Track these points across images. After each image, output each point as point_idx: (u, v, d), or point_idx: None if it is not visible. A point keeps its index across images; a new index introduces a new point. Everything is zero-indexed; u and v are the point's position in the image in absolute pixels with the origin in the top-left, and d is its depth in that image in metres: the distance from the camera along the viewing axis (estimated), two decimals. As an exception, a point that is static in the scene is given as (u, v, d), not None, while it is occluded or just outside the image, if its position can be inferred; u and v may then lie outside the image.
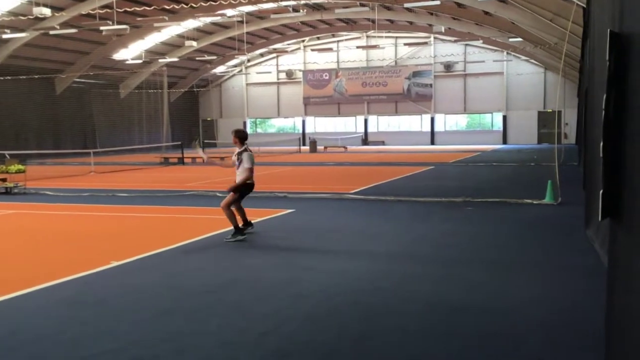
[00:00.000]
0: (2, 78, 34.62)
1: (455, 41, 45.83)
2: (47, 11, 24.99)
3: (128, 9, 28.40)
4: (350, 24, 46.04)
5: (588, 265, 7.13)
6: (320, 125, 53.84)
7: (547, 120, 46.66)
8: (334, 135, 50.46)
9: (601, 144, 2.96)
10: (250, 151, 9.20)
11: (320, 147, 41.74)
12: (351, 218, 11.19)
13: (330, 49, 48.81)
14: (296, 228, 10.19)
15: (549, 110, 46.88)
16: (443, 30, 38.67)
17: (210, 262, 7.69)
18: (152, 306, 5.70)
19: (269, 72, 54.03)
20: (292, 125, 55.22)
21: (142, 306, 5.71)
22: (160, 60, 42.68)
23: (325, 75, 52.46)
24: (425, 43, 47.64)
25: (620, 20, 3.19)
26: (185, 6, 30.90)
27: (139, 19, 30.67)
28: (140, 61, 41.20)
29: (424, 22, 40.48)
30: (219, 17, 36.04)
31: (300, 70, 53.29)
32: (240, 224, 9.11)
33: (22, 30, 30.25)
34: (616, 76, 2.92)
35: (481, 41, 41.89)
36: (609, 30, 3.00)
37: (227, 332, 4.97)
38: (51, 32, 30.32)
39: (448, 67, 49.28)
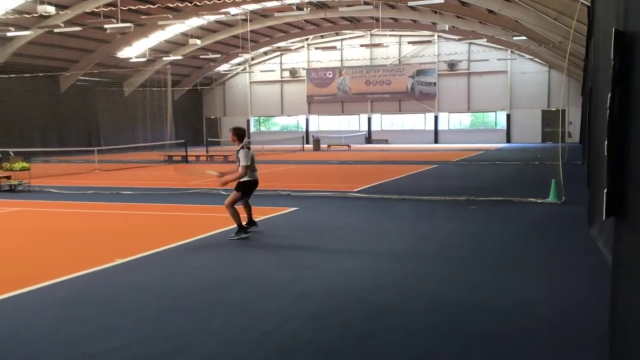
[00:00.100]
0: (6, 76, 34.70)
1: (459, 40, 45.72)
2: (51, 9, 25.05)
3: (132, 7, 28.47)
4: (354, 23, 46.00)
5: (592, 264, 7.12)
6: (323, 123, 53.82)
7: (551, 119, 46.56)
8: (338, 133, 50.42)
9: (605, 142, 2.96)
10: (248, 148, 9.06)
11: (323, 146, 41.71)
12: (354, 216, 11.19)
13: (334, 48, 48.76)
14: (299, 226, 10.20)
15: (553, 109, 46.76)
16: (447, 29, 38.54)
17: (213, 260, 7.70)
18: (156, 304, 5.72)
19: (273, 71, 54.01)
20: (296, 124, 55.22)
21: (146, 304, 5.72)
22: (164, 59, 42.72)
23: (329, 74, 52.44)
24: (429, 41, 47.58)
25: (625, 19, 3.18)
26: (189, 4, 30.86)
27: (143, 17, 30.71)
28: (144, 59, 41.24)
29: (428, 21, 40.41)
30: (223, 16, 35.99)
31: (303, 69, 53.28)
32: (244, 222, 9.09)
33: (26, 28, 30.30)
34: (621, 75, 2.91)
35: (485, 40, 41.79)
36: (613, 28, 2.99)
37: (230, 330, 4.98)
38: (55, 30, 30.37)
39: (452, 65, 49.20)
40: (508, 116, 48.51)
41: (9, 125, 35.59)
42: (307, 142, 46.97)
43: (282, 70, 54.34)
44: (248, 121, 54.68)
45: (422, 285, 6.37)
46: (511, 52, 46.62)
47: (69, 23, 30.44)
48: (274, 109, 55.05)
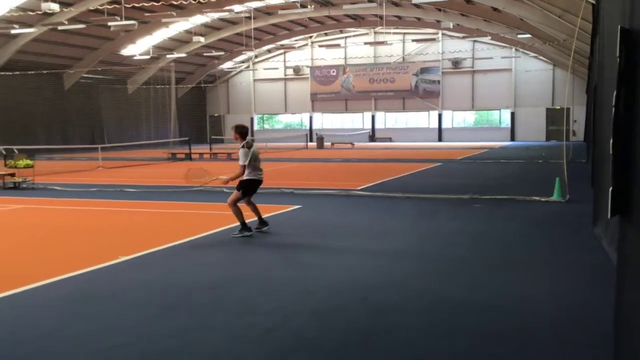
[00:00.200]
0: (10, 73, 34.78)
1: (463, 37, 45.62)
2: (55, 7, 25.07)
3: (136, 5, 28.47)
4: (358, 20, 45.95)
5: (596, 263, 7.10)
6: (327, 121, 53.81)
7: (555, 117, 46.45)
8: (341, 131, 50.41)
9: (611, 141, 2.94)
10: (249, 147, 8.86)
11: (327, 144, 41.70)
12: (358, 214, 11.18)
13: (337, 45, 48.72)
14: (303, 224, 10.20)
15: (557, 107, 46.65)
16: (451, 27, 38.53)
17: (217, 257, 7.71)
18: (159, 301, 5.72)
19: (277, 68, 54.00)
20: (300, 122, 55.22)
21: (150, 301, 5.73)
22: (168, 56, 42.76)
23: (333, 72, 52.40)
24: (433, 39, 47.51)
25: (631, 17, 3.17)
26: (193, 2, 30.87)
27: (146, 14, 30.74)
28: (148, 57, 41.29)
29: (432, 19, 40.36)
30: (226, 13, 36.05)
31: (307, 67, 53.25)
32: (256, 223, 8.99)
33: (30, 26, 30.36)
34: (626, 72, 2.89)
35: (489, 37, 41.70)
36: (619, 26, 2.97)
37: (234, 327, 4.98)
38: (59, 28, 30.42)
39: (456, 63, 49.11)
40: (512, 114, 48.42)
41: (13, 122, 35.69)
42: (311, 140, 46.97)
43: (285, 68, 54.33)
44: (252, 119, 54.71)
45: (425, 283, 6.36)
46: (515, 50, 46.51)
47: (73, 20, 30.49)
48: (277, 106, 55.06)
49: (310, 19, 43.97)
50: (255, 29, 40.40)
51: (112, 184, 16.72)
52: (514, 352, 4.44)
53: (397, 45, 49.48)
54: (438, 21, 39.61)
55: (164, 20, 31.96)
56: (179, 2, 28.23)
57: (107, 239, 8.96)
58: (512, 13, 28.74)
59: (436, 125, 50.36)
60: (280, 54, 53.93)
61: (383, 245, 8.38)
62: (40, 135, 36.98)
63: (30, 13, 28.34)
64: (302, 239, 8.85)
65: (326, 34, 51.46)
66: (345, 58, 52.08)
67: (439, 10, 36.79)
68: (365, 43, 44.31)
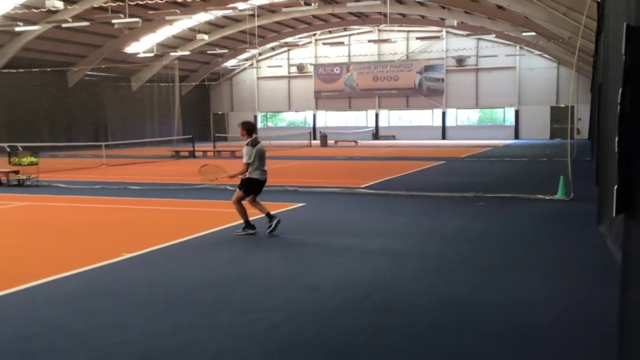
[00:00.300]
0: (15, 71, 34.85)
1: (467, 35, 45.53)
2: (59, 4, 25.11)
3: (140, 2, 28.48)
4: (362, 18, 45.88)
5: (600, 262, 7.08)
6: (331, 119, 53.78)
7: (559, 116, 46.33)
8: (345, 129, 50.38)
9: (616, 138, 2.93)
10: (253, 146, 8.79)
11: (330, 142, 41.69)
12: (361, 212, 11.18)
13: (341, 43, 48.67)
14: (307, 222, 10.20)
15: (561, 105, 46.53)
16: (455, 24, 38.46)
17: (220, 255, 7.71)
18: (163, 298, 5.73)
19: (280, 66, 53.98)
20: (303, 119, 55.20)
21: (153, 298, 5.74)
22: (171, 54, 42.77)
23: (337, 69, 52.36)
24: (437, 37, 47.41)
25: (636, 14, 3.15)
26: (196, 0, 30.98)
27: (150, 12, 30.74)
28: (152, 54, 41.31)
29: (436, 16, 40.26)
30: (230, 11, 36.06)
31: (311, 64, 53.22)
32: (261, 215, 8.93)
33: (34, 23, 30.40)
34: (632, 70, 2.88)
35: (494, 35, 41.59)
36: (625, 23, 2.96)
37: (237, 324, 4.98)
38: (64, 25, 30.45)
39: (460, 61, 49.01)
40: (516, 112, 48.32)
41: (17, 120, 35.78)
42: (315, 138, 46.96)
43: (289, 65, 54.31)
44: (255, 117, 54.70)
45: (428, 282, 6.35)
46: (520, 47, 46.39)
47: (77, 18, 30.52)
48: (281, 104, 55.05)
49: (314, 16, 43.92)
50: (259, 26, 40.36)
51: (116, 182, 16.74)
52: (516, 351, 4.44)
53: (401, 43, 49.40)
54: (442, 19, 39.50)
55: (167, 17, 31.96)
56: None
57: (110, 236, 8.98)
58: (517, 11, 28.66)
59: (440, 123, 50.28)
60: (284, 51, 53.89)
61: (386, 243, 8.37)
62: (44, 133, 37.07)
63: (35, 10, 28.39)
64: (305, 237, 8.85)
65: (330, 32, 51.40)
66: (349, 56, 52.02)
67: (443, 8, 36.70)
68: (369, 41, 44.32)
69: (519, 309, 5.36)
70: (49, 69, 36.76)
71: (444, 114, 50.12)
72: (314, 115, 53.84)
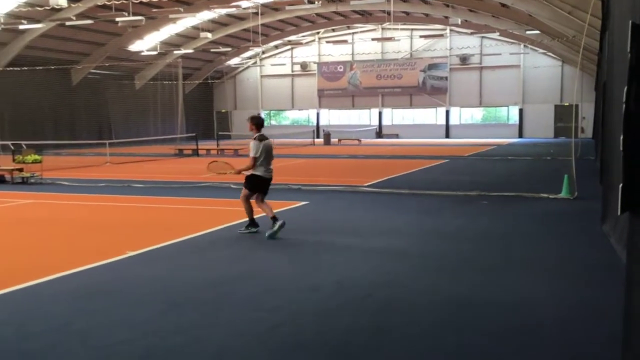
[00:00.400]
0: (18, 69, 34.91)
1: (471, 33, 45.45)
2: (63, 2, 25.10)
3: (143, 0, 28.48)
4: (366, 16, 45.82)
5: (604, 261, 7.05)
6: (334, 117, 53.75)
7: (563, 114, 46.21)
8: (348, 127, 50.35)
9: (621, 137, 2.91)
10: (259, 140, 8.66)
11: (334, 140, 41.66)
12: (365, 211, 11.17)
13: (345, 41, 48.62)
14: (310, 220, 10.20)
15: (565, 104, 46.41)
16: (459, 23, 38.35)
17: (223, 253, 7.71)
18: (166, 297, 5.73)
19: (284, 64, 53.96)
20: (306, 118, 55.18)
21: (156, 297, 5.73)
22: (175, 52, 42.79)
23: (340, 68, 52.31)
24: (441, 35, 47.26)
25: (642, 11, 3.13)
26: (200, -2, 31.00)
27: (154, 10, 30.75)
28: (155, 52, 41.33)
29: (440, 14, 40.18)
30: (234, 9, 36.02)
31: (314, 63, 53.18)
32: (271, 215, 8.62)
33: (38, 21, 30.45)
34: (638, 68, 2.86)
35: (498, 34, 41.49)
36: (630, 22, 2.94)
37: (239, 323, 4.98)
38: (67, 23, 30.49)
39: (464, 59, 48.92)
40: (520, 111, 48.22)
41: (21, 117, 35.83)
42: (318, 136, 46.94)
43: (293, 64, 54.28)
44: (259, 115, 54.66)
45: (431, 280, 6.34)
46: (524, 46, 46.27)
47: (80, 16, 30.55)
48: (284, 102, 55.03)
49: (318, 14, 43.88)
50: (262, 24, 40.33)
51: (119, 179, 16.76)
52: (518, 350, 4.42)
53: (405, 42, 49.33)
54: (446, 17, 39.41)
55: (171, 16, 31.98)
56: (187, -3, 28.30)
57: (114, 234, 8.98)
58: (521, 9, 28.58)
59: (443, 122, 50.20)
60: (288, 50, 53.86)
61: (389, 242, 8.36)
62: (48, 131, 37.12)
63: (38, 9, 28.41)
64: (308, 236, 8.84)
65: (333, 30, 51.35)
66: (352, 54, 51.97)
67: (447, 6, 36.63)
68: (373, 39, 44.19)
69: (521, 308, 5.34)
70: (52, 67, 36.81)
71: (447, 112, 50.04)
72: (318, 114, 53.82)
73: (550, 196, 12.52)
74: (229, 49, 44.73)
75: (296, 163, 23.63)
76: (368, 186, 14.87)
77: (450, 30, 47.57)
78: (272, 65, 54.18)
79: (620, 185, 2.90)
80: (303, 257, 7.48)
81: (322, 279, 6.37)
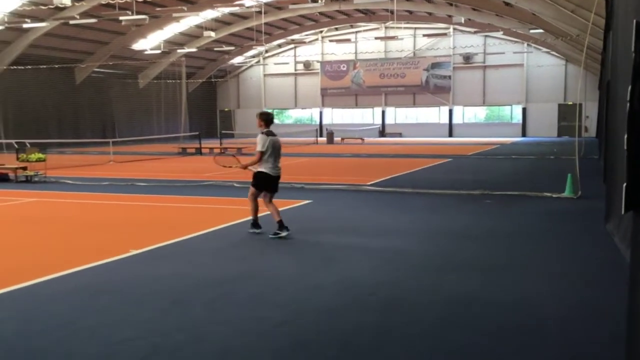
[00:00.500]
0: (22, 67, 34.98)
1: (474, 32, 45.35)
2: (67, 1, 25.16)
3: (147, -1, 28.53)
4: (369, 15, 45.78)
5: (608, 260, 7.05)
6: (337, 116, 53.73)
7: (567, 113, 46.12)
8: (351, 126, 50.33)
9: (625, 136, 2.91)
10: (265, 135, 8.54)
11: (337, 139, 41.65)
12: (368, 210, 11.17)
13: (348, 40, 48.54)
14: (313, 219, 10.20)
15: (569, 103, 46.32)
16: (463, 22, 38.25)
17: (226, 252, 7.72)
18: (170, 295, 5.74)
19: (287, 63, 53.94)
20: (310, 117, 55.17)
21: (160, 295, 5.75)
22: (178, 51, 42.82)
23: (343, 67, 52.29)
24: (445, 34, 47.24)
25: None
26: (203, -4, 30.99)
27: (157, 9, 30.78)
28: (159, 51, 41.37)
29: (444, 13, 40.13)
30: (237, 8, 36.02)
31: (317, 61, 53.16)
32: (277, 219, 8.49)
33: (42, 20, 30.50)
34: (642, 67, 2.86)
35: (501, 32, 41.39)
36: (635, 21, 2.94)
37: (244, 321, 4.99)
38: (71, 22, 30.54)
39: (467, 58, 48.84)
40: (524, 110, 48.13)
41: (25, 116, 35.90)
42: (321, 135, 46.94)
43: (296, 62, 54.27)
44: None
45: (433, 279, 6.35)
46: (527, 45, 46.18)
47: (84, 15, 30.58)
48: (287, 101, 55.03)
49: (321, 13, 43.85)
50: (265, 23, 40.33)
51: (123, 178, 16.79)
52: (520, 349, 4.42)
53: (408, 40, 49.26)
54: (449, 16, 39.33)
55: (174, 14, 31.98)
56: (190, -4, 28.32)
57: (117, 233, 9.01)
58: (525, 8, 28.53)
59: (447, 121, 50.14)
60: (291, 48, 53.85)
61: (392, 241, 8.36)
62: (52, 129, 37.20)
63: (42, 7, 28.47)
64: (311, 235, 8.84)
65: (337, 29, 51.32)
66: (355, 53, 51.93)
67: (451, 4, 36.58)
68: (376, 38, 44.17)
69: (523, 308, 5.34)
70: (56, 66, 36.86)
71: (450, 111, 49.97)
72: (321, 113, 53.81)
73: (554, 195, 12.50)
74: (232, 47, 44.74)
75: (299, 162, 23.64)
76: (371, 185, 14.87)
77: (454, 29, 47.50)
78: (276, 64, 54.17)
79: (624, 184, 2.91)
80: (306, 256, 7.49)
81: (325, 277, 6.38)
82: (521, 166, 21.04)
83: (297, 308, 5.32)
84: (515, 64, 47.58)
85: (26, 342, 4.54)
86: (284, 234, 8.42)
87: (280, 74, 54.53)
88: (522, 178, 16.93)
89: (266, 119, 8.76)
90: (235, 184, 14.55)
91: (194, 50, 43.12)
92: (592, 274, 6.56)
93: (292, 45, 53.04)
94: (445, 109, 50.26)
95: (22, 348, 4.43)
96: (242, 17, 41.39)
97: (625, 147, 2.92)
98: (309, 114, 55.25)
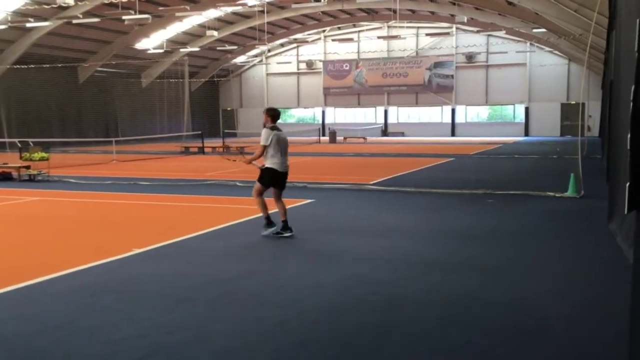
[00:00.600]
0: (26, 67, 35.05)
1: (477, 32, 45.31)
2: (70, 0, 25.20)
3: (150, -1, 28.56)
4: (372, 14, 45.78)
5: (610, 260, 7.04)
6: (339, 115, 53.74)
7: (570, 113, 46.07)
8: (354, 126, 50.32)
9: (628, 135, 2.91)
10: (271, 129, 8.44)
11: (339, 138, 41.65)
12: (370, 209, 11.17)
13: (350, 39, 48.57)
14: (315, 218, 10.20)
15: (572, 102, 46.26)
16: (465, 21, 38.26)
17: (229, 251, 7.72)
18: (173, 294, 5.75)
19: (289, 62, 53.98)
20: (312, 116, 55.20)
21: (163, 293, 5.76)
22: (181, 50, 42.87)
23: (346, 66, 52.29)
24: (447, 33, 47.23)
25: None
26: (206, -4, 31.00)
27: (160, 8, 30.84)
28: (161, 51, 41.43)
29: (446, 12, 40.12)
30: (240, 7, 36.05)
31: (320, 61, 53.18)
32: (282, 219, 8.44)
33: (45, 19, 30.56)
34: (645, 67, 2.85)
35: (504, 32, 41.37)
36: (638, 20, 2.93)
37: (246, 320, 4.99)
38: (74, 21, 30.59)
39: (470, 57, 48.80)
40: (527, 109, 48.09)
41: (28, 115, 35.99)
42: (323, 134, 46.95)
43: (298, 62, 54.30)
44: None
45: (438, 278, 6.34)
46: (530, 44, 46.14)
47: (87, 14, 30.65)
48: (290, 100, 55.05)
49: (324, 12, 43.88)
50: (268, 22, 40.36)
51: (125, 177, 16.82)
52: (523, 349, 4.42)
53: (411, 40, 49.25)
54: (452, 15, 39.34)
55: (177, 14, 32.02)
56: (193, -4, 28.34)
57: (120, 232, 9.02)
58: (527, 7, 28.50)
59: (449, 120, 50.12)
60: (293, 48, 53.88)
61: (394, 240, 8.36)
62: (55, 128, 37.28)
63: (45, 7, 28.54)
64: (314, 234, 8.84)
65: (339, 28, 51.33)
66: (358, 52, 51.93)
67: (453, 4, 36.56)
68: (379, 37, 44.16)
69: (525, 307, 5.33)
70: (59, 65, 36.95)
71: (453, 110, 49.95)
72: (323, 112, 53.82)
73: (557, 195, 12.49)
74: (234, 47, 44.78)
75: (302, 161, 23.64)
76: (374, 184, 14.87)
77: (456, 28, 47.48)
78: (278, 63, 54.20)
79: (627, 184, 2.90)
80: (307, 255, 7.49)
81: (328, 277, 6.38)
82: (524, 166, 21.02)
83: (299, 307, 5.33)
84: (518, 63, 47.54)
85: (28, 341, 4.55)
86: (287, 234, 8.39)
87: (282, 73, 54.56)
88: (524, 177, 16.91)
89: (273, 114, 8.68)
90: (238, 183, 14.56)
91: (196, 49, 43.16)
92: (595, 273, 6.55)
93: (294, 45, 53.07)
94: (447, 109, 50.24)
95: (24, 347, 4.44)
96: (244, 16, 41.42)
97: (628, 147, 2.91)
98: (311, 114, 55.28)
